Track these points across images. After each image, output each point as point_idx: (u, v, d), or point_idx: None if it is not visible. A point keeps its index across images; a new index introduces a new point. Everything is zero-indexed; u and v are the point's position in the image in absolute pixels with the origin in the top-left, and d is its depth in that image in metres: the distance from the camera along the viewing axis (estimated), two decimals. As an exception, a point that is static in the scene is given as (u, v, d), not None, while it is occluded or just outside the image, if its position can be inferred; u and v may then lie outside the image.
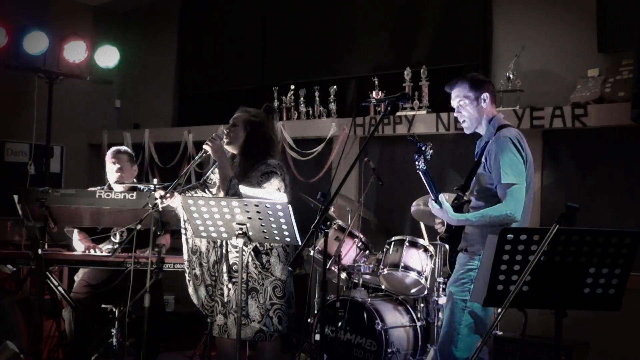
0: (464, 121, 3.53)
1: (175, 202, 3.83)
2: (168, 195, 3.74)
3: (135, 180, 4.90)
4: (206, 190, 4.01)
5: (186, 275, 3.93)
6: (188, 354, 5.24)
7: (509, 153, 3.31)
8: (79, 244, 4.69)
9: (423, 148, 3.41)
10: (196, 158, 3.89)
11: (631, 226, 4.62)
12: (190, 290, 3.92)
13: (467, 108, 3.48)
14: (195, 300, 3.93)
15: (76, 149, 7.64)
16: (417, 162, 3.42)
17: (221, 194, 3.82)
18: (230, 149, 3.96)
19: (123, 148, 4.98)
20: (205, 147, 3.81)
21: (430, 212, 4.56)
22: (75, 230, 4.73)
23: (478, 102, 3.46)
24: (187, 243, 3.90)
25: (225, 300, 3.78)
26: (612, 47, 4.83)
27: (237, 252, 3.69)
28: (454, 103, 3.54)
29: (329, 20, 6.45)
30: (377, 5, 6.14)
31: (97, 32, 7.37)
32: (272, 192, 3.67)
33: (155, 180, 4.27)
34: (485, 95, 3.46)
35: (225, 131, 3.94)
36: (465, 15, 5.62)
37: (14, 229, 6.03)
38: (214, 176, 4.01)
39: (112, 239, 4.66)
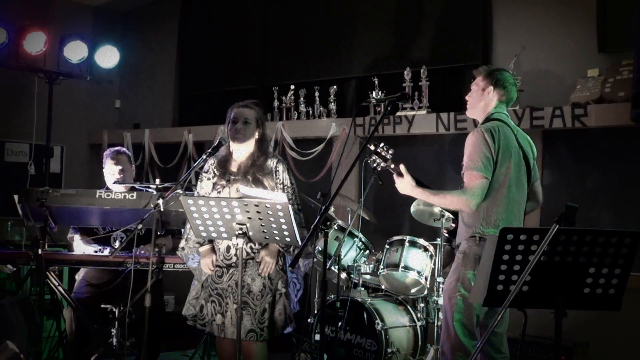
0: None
1: None
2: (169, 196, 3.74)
3: (134, 181, 4.90)
4: None
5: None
6: (188, 353, 5.24)
7: (476, 143, 3.38)
8: (81, 245, 4.68)
9: (378, 150, 3.53)
10: (199, 161, 3.86)
11: (631, 226, 4.62)
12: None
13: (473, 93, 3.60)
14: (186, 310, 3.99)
15: (76, 149, 7.63)
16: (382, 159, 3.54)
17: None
18: (243, 146, 3.91)
19: (122, 149, 4.98)
20: None
21: (430, 212, 4.58)
22: (77, 236, 4.72)
23: (483, 92, 3.54)
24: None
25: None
26: (612, 47, 4.83)
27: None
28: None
29: (329, 20, 6.45)
30: (377, 5, 6.14)
31: (97, 32, 7.36)
32: (272, 192, 3.67)
33: (157, 181, 4.25)
34: (490, 88, 3.52)
35: (237, 128, 3.87)
36: (465, 15, 5.61)
37: (14, 229, 6.02)
38: (205, 184, 4.00)
39: (113, 244, 4.66)
